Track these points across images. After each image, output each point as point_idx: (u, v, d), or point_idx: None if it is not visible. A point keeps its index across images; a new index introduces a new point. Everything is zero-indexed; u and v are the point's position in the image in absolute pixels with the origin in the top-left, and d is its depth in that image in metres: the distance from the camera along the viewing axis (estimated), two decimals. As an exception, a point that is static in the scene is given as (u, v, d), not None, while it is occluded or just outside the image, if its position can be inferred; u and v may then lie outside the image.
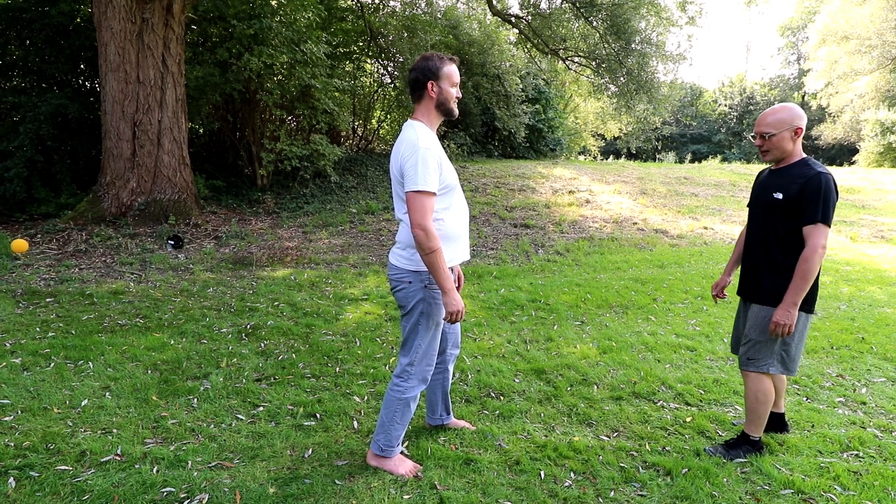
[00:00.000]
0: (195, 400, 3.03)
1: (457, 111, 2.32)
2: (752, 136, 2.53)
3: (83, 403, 2.93)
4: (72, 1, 8.38)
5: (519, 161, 14.35)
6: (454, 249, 2.33)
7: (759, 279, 2.48)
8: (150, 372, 3.38)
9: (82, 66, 9.10)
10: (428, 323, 2.29)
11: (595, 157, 23.33)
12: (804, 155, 2.46)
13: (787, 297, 2.34)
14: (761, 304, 2.46)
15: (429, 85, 2.22)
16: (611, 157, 24.25)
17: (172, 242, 6.65)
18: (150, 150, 7.37)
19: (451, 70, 2.25)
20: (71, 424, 2.72)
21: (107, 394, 3.09)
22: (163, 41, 7.23)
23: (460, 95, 2.32)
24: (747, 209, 2.70)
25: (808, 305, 2.44)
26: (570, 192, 10.66)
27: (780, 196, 2.38)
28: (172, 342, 3.86)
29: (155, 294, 5.00)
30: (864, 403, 3.20)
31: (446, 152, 12.89)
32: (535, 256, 6.92)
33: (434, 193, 2.13)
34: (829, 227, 2.32)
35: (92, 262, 6.02)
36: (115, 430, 2.69)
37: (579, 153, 22.79)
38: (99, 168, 7.57)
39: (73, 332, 4.00)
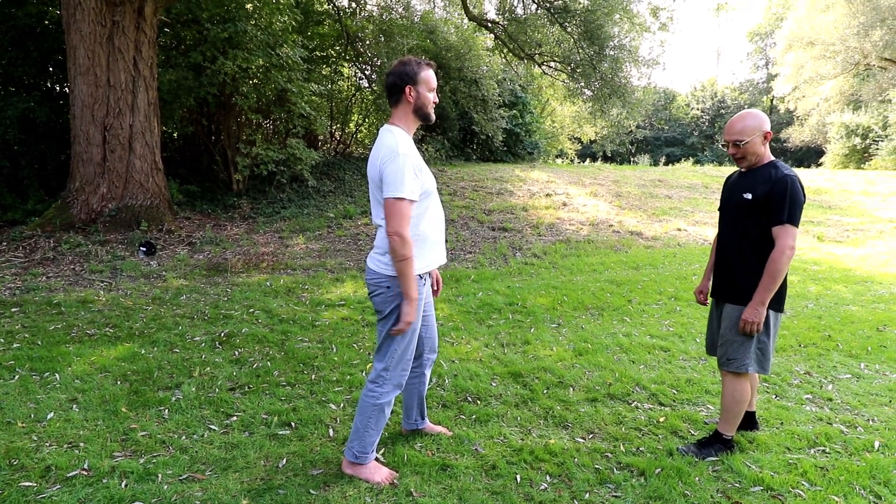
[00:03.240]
0: (166, 411, 2.97)
1: (433, 116, 2.33)
2: (723, 146, 2.59)
3: (49, 417, 2.85)
4: (39, 3, 8.17)
5: (497, 164, 14.43)
6: (430, 254, 2.34)
7: (733, 279, 2.53)
8: (119, 383, 3.30)
9: (51, 69, 8.86)
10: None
11: (572, 161, 23.60)
12: (772, 157, 2.53)
13: (756, 295, 2.40)
14: (735, 304, 2.52)
15: (406, 89, 2.22)
16: (587, 160, 24.58)
17: (144, 249, 6.50)
18: (122, 155, 7.20)
19: (429, 75, 2.26)
20: (36, 439, 2.64)
21: (74, 406, 3.00)
22: (134, 44, 7.09)
23: (437, 100, 2.33)
24: (718, 212, 2.76)
25: (778, 304, 2.51)
26: (547, 195, 10.77)
27: (749, 196, 2.45)
28: (143, 352, 3.77)
29: (126, 302, 4.89)
30: (831, 400, 3.30)
31: (423, 157, 12.90)
32: (512, 259, 6.96)
33: (413, 201, 2.13)
34: (797, 227, 2.39)
35: (60, 269, 5.85)
36: (82, 444, 2.62)
37: (556, 156, 23.04)
38: (68, 173, 7.37)
39: (40, 342, 3.88)
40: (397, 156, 2.10)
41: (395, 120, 2.27)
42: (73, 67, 6.93)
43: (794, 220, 2.36)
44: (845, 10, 25.30)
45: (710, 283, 2.88)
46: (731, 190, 2.62)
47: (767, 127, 2.46)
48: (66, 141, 7.42)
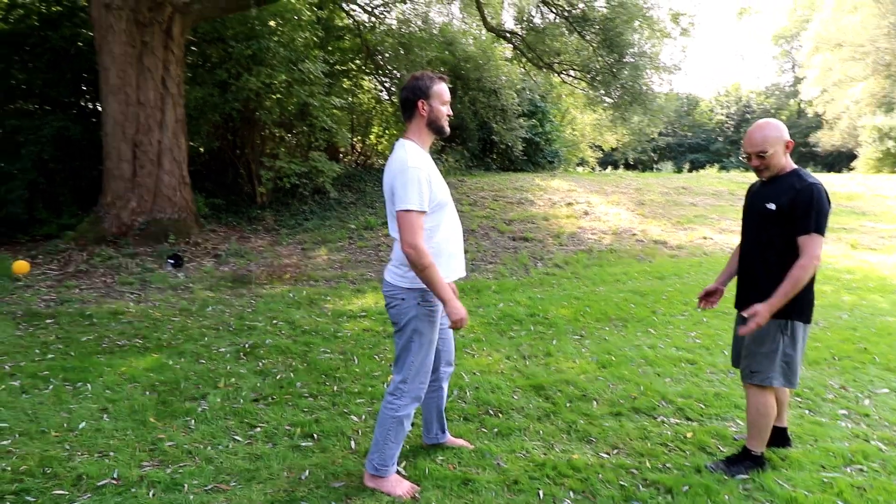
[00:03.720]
0: (192, 421, 3.02)
1: (448, 129, 2.34)
2: (745, 157, 2.54)
3: (81, 426, 2.92)
4: (73, 25, 8.52)
5: (517, 174, 14.40)
6: (447, 267, 2.34)
7: (757, 289, 2.47)
8: (147, 393, 3.37)
9: (84, 89, 9.21)
10: (421, 340, 2.29)
11: (593, 169, 23.43)
12: (795, 166, 2.48)
13: (773, 297, 2.33)
14: None
15: (419, 104, 2.25)
16: (609, 167, 24.36)
17: (172, 261, 6.67)
18: (151, 171, 7.42)
19: (442, 88, 2.28)
20: (68, 448, 2.71)
21: (104, 416, 3.08)
22: (162, 63, 7.33)
23: (451, 113, 2.35)
24: (742, 221, 2.70)
25: (805, 315, 2.44)
26: (568, 203, 10.69)
27: (773, 206, 2.40)
28: (171, 362, 3.85)
29: (154, 314, 5.01)
30: (868, 415, 3.17)
31: (442, 167, 12.88)
32: (533, 270, 6.92)
33: (424, 212, 2.14)
34: (824, 236, 2.33)
35: (92, 282, 6.03)
36: (111, 454, 2.68)
37: (577, 164, 22.87)
38: (100, 189, 7.63)
39: (72, 353, 4.00)
40: (407, 168, 2.12)
41: (409, 134, 2.29)
42: (104, 87, 7.19)
43: (820, 229, 2.31)
44: (874, 11, 24.69)
45: (722, 287, 2.79)
46: (753, 199, 2.57)
47: (788, 136, 2.42)
48: (98, 157, 7.69)
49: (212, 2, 7.58)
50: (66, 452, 2.67)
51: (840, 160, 28.73)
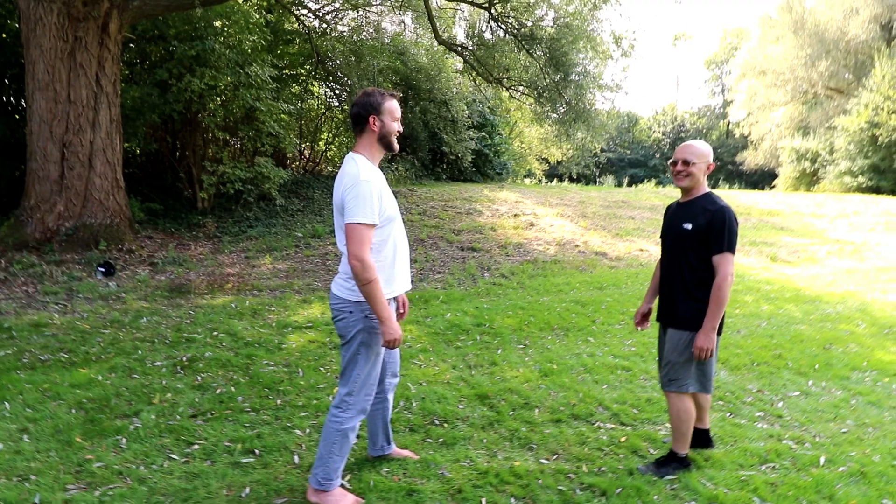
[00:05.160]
0: (124, 440, 2.89)
1: (397, 146, 2.39)
2: (672, 163, 2.74)
3: (-3, 449, 2.73)
4: (-4, 15, 7.95)
5: (466, 184, 14.62)
6: (395, 280, 2.38)
7: (675, 305, 2.67)
8: (74, 411, 3.18)
9: (7, 83, 8.59)
10: (368, 353, 2.31)
11: (540, 181, 24.12)
12: (708, 189, 2.71)
13: (706, 322, 2.53)
14: (677, 328, 2.65)
15: (371, 119, 2.29)
16: (555, 180, 25.15)
17: (103, 269, 6.30)
18: (81, 173, 7.00)
19: (393, 105, 2.33)
20: (-18, 473, 2.52)
21: (25, 437, 2.89)
22: (97, 60, 6.96)
23: (401, 129, 2.40)
24: (660, 240, 2.90)
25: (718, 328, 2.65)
26: (514, 215, 10.96)
27: (689, 226, 2.61)
28: (100, 378, 3.65)
29: (82, 326, 4.72)
30: (781, 417, 3.46)
31: (393, 177, 12.85)
32: (481, 280, 7.05)
33: (374, 225, 2.18)
34: (734, 254, 2.56)
35: (12, 291, 5.61)
36: (33, 477, 2.52)
37: (525, 176, 23.49)
38: (23, 191, 7.11)
39: (-13, 370, 3.71)
40: (359, 182, 2.16)
41: (359, 148, 2.33)
42: (31, 83, 6.74)
43: (732, 248, 2.54)
44: (793, 42, 26.92)
45: (650, 305, 2.99)
46: (671, 220, 2.78)
47: (711, 159, 2.66)
48: (21, 157, 7.17)
49: (153, -1, 7.29)
50: (-20, 477, 2.48)
51: (763, 178, 31.03)
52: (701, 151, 2.64)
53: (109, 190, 7.24)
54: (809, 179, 23.97)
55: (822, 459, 2.92)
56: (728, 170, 34.84)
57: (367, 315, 2.28)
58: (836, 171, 21.56)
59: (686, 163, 2.64)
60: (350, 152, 2.35)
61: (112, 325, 4.79)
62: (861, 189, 20.25)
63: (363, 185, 2.15)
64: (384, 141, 2.32)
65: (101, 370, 3.78)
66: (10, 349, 4.11)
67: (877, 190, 19.83)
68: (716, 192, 2.73)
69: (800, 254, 9.72)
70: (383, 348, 2.38)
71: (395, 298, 2.56)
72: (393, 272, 2.36)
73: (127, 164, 8.95)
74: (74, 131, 6.90)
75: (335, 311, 2.34)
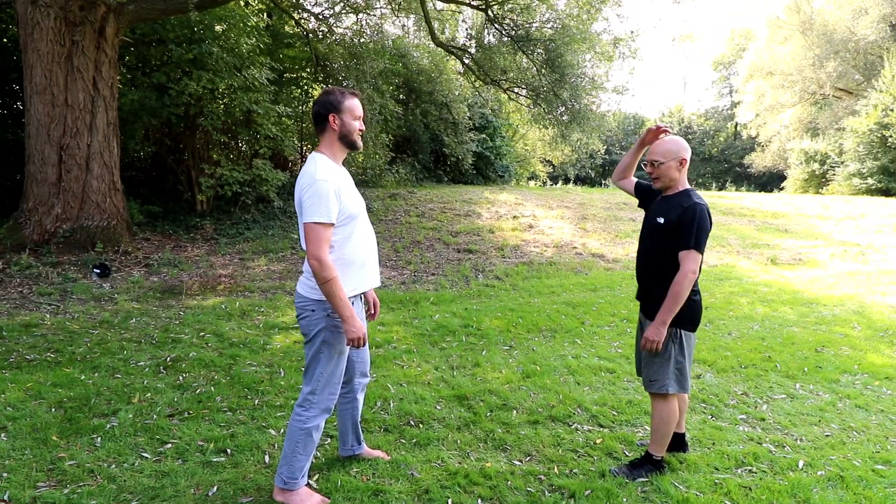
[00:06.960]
0: (99, 439, 2.90)
1: (361, 144, 2.39)
2: (644, 164, 2.72)
3: (-28, 447, 2.75)
4: (-2, 20, 8.08)
5: (467, 186, 14.61)
6: (358, 277, 2.37)
7: (652, 296, 2.63)
8: (53, 410, 3.21)
9: (6, 88, 8.71)
10: (330, 352, 2.31)
11: (544, 183, 24.05)
12: (688, 186, 2.67)
13: (659, 315, 2.50)
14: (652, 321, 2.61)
15: (330, 118, 2.29)
16: (559, 182, 25.06)
17: (98, 271, 6.37)
18: (78, 175, 7.08)
19: (354, 104, 2.33)
20: (-46, 471, 2.55)
21: (2, 435, 2.91)
22: (94, 64, 7.04)
23: (363, 128, 2.40)
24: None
25: (691, 325, 2.61)
26: (514, 217, 10.93)
27: (661, 220, 2.58)
28: (83, 377, 3.68)
29: (72, 326, 4.77)
30: (764, 420, 3.40)
31: (393, 178, 12.83)
32: (474, 282, 7.03)
33: (331, 224, 2.18)
34: (702, 253, 2.51)
35: (6, 292, 5.68)
36: (5, 474, 2.55)
37: (529, 178, 23.44)
38: (21, 193, 7.21)
39: (-27, 369, 3.75)
40: (315, 182, 2.15)
41: (320, 147, 2.33)
42: (29, 86, 6.84)
43: (699, 246, 2.48)
44: (801, 43, 26.67)
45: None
46: (649, 213, 2.75)
47: (685, 155, 2.61)
48: (20, 160, 7.27)
49: (149, 3, 7.37)
50: (-48, 474, 2.51)
51: (772, 180, 30.69)
52: (667, 150, 2.60)
53: (106, 192, 7.32)
54: (818, 181, 23.66)
55: (801, 463, 2.87)
56: (736, 172, 34.51)
57: (330, 314, 2.28)
58: (845, 172, 21.26)
59: (653, 164, 2.61)
60: (313, 151, 2.35)
61: (101, 325, 4.83)
62: (871, 191, 19.95)
63: (319, 184, 2.15)
64: (345, 140, 2.32)
65: (85, 370, 3.81)
66: (-1, 349, 4.15)
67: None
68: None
69: (802, 256, 9.59)
70: (348, 347, 2.38)
71: (363, 296, 2.56)
72: (356, 270, 2.35)
73: (128, 167, 9.04)
74: (72, 134, 6.98)
75: (298, 309, 2.35)
